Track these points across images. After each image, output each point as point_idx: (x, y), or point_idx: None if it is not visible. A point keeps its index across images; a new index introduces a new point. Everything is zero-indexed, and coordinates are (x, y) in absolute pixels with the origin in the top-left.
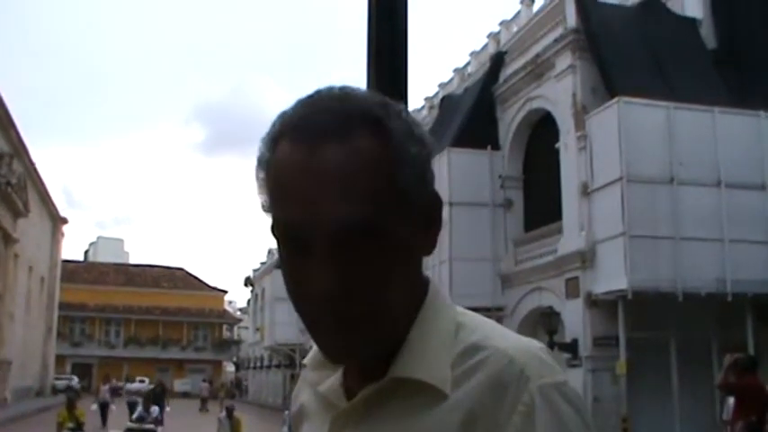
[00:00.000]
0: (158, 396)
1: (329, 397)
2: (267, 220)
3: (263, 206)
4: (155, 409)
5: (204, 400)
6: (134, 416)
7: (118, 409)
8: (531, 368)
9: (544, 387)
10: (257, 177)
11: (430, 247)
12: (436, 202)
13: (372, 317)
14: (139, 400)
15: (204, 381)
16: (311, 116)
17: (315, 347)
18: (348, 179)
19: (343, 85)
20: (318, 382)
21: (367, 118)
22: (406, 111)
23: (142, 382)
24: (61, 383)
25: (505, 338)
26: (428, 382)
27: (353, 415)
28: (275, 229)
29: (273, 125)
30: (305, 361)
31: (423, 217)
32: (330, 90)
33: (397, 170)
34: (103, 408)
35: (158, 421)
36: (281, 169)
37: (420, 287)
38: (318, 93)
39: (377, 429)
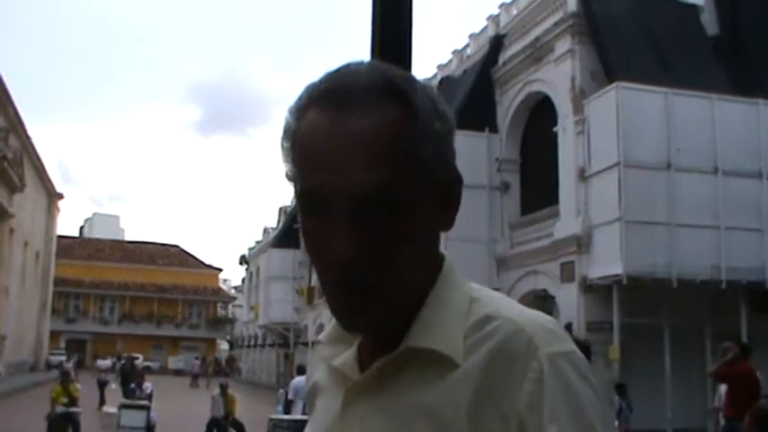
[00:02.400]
0: (127, 373)
1: (343, 370)
2: (289, 188)
3: (287, 175)
4: (147, 386)
5: (195, 377)
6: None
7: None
8: (539, 337)
9: (553, 355)
10: (282, 147)
11: (448, 224)
12: (456, 180)
13: (390, 284)
14: (109, 378)
15: (197, 358)
16: (340, 86)
17: (331, 323)
18: (373, 148)
19: (372, 60)
20: (333, 357)
21: (394, 90)
22: (431, 87)
23: (136, 358)
24: (56, 359)
25: (516, 310)
26: (442, 351)
27: (367, 386)
28: (299, 196)
29: (301, 96)
30: (320, 337)
31: (442, 193)
32: (359, 63)
33: (420, 143)
34: None
35: (150, 398)
36: (308, 136)
37: (436, 262)
38: (347, 65)
39: (390, 400)
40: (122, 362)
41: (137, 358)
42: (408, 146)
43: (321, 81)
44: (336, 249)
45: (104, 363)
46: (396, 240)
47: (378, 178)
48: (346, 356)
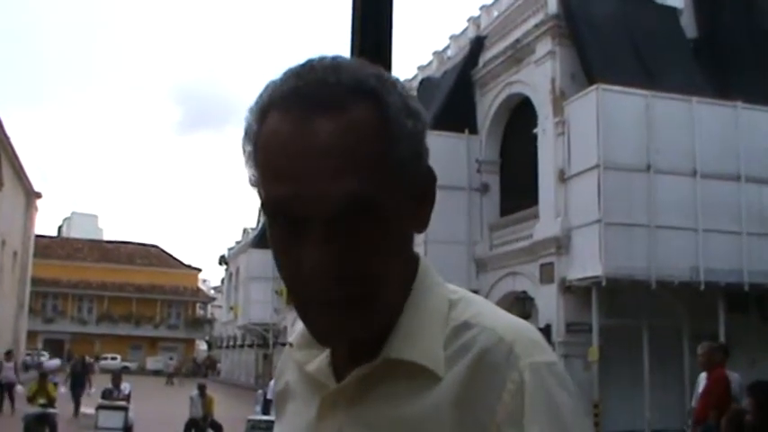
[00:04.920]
0: (78, 375)
1: (317, 377)
2: (253, 194)
3: (250, 180)
4: (126, 386)
5: (170, 375)
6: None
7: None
8: (520, 346)
9: (534, 365)
10: (244, 150)
11: (423, 223)
12: (430, 178)
13: (367, 298)
14: (57, 379)
15: (171, 359)
16: (303, 87)
17: (301, 326)
18: (343, 154)
19: (336, 54)
20: (306, 362)
21: (362, 90)
22: (401, 83)
23: (114, 359)
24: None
25: (496, 317)
26: (421, 363)
27: (344, 396)
28: (266, 207)
29: (261, 95)
30: (291, 340)
31: (417, 192)
32: (322, 59)
33: (393, 144)
34: (8, 389)
35: (129, 398)
36: (272, 142)
37: (411, 265)
38: (310, 62)
39: (368, 411)
40: (72, 362)
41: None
42: (379, 148)
43: (283, 80)
44: (308, 263)
45: (52, 363)
46: (370, 249)
47: (348, 186)
48: (320, 362)
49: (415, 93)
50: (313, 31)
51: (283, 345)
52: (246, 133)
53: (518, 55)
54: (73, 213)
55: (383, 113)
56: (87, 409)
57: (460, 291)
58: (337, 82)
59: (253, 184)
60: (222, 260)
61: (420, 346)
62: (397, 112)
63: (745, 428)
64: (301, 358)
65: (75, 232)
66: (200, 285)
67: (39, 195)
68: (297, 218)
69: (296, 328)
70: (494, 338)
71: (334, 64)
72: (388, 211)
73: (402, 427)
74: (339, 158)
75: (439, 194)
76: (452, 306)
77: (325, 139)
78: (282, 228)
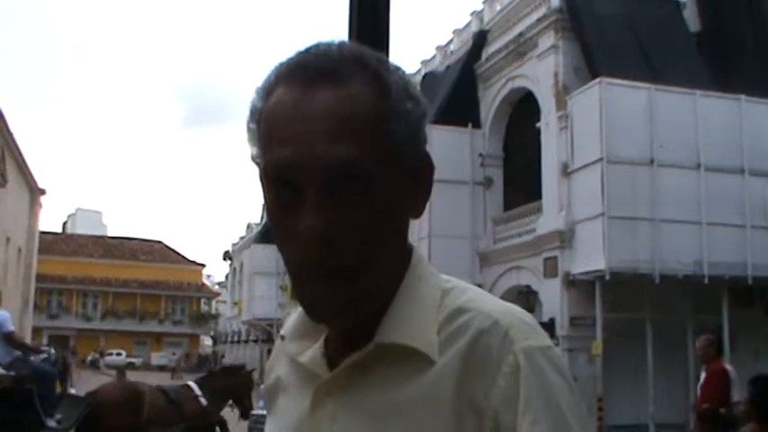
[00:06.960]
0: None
1: (311, 367)
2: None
3: (252, 157)
4: None
5: (173, 370)
6: None
7: None
8: (515, 330)
9: (529, 349)
10: (248, 128)
11: (418, 210)
12: (428, 164)
13: (359, 270)
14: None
15: (174, 354)
16: (309, 61)
17: (291, 318)
18: (343, 122)
19: (342, 40)
20: (298, 353)
21: (365, 67)
22: (403, 70)
23: (119, 355)
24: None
25: (490, 302)
26: (415, 347)
27: (338, 384)
28: (265, 172)
29: (269, 75)
30: (282, 332)
31: (413, 177)
32: (330, 42)
33: (392, 123)
34: None
35: None
36: (275, 111)
37: (405, 253)
38: (317, 44)
39: (363, 398)
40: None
41: (119, 354)
42: (379, 121)
43: (290, 59)
44: (305, 225)
45: None
46: (367, 219)
47: (347, 151)
48: (313, 352)
49: (418, 87)
50: (311, 28)
51: None
52: (251, 112)
53: (521, 49)
54: (77, 210)
55: (383, 89)
56: None
57: (453, 280)
58: (341, 58)
59: (255, 161)
60: (226, 255)
61: (412, 331)
62: (397, 91)
63: (726, 422)
64: (294, 350)
65: (80, 228)
66: (205, 281)
67: (43, 192)
68: (293, 184)
69: (287, 321)
70: (489, 322)
71: (339, 44)
72: (382, 186)
73: (397, 412)
74: (338, 124)
75: (442, 188)
76: (445, 294)
77: (324, 106)
78: (279, 196)
